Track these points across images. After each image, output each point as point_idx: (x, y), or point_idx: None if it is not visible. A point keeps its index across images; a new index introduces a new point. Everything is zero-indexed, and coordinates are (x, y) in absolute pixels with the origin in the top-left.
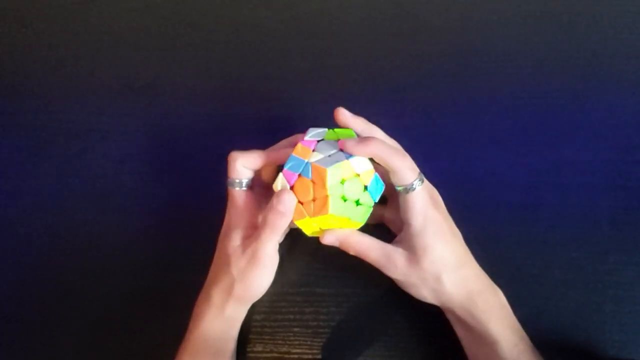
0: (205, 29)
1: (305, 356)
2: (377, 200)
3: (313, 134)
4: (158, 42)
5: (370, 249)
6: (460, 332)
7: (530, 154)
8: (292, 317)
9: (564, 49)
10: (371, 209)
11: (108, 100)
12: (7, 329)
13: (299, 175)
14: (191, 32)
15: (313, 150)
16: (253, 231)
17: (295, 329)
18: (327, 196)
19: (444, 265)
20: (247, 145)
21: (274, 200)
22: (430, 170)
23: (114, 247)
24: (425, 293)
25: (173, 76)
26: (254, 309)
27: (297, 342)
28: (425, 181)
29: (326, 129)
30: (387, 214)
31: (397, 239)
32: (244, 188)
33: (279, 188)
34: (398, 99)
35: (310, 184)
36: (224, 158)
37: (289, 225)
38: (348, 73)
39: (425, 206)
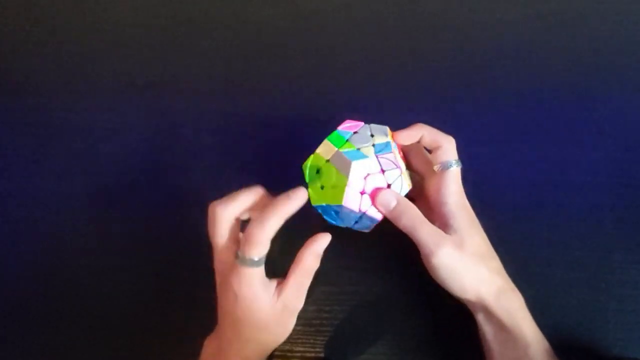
0: (209, 27)
1: (308, 354)
2: None
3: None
4: (161, 41)
5: (423, 226)
6: (489, 331)
7: (534, 152)
8: None
9: (568, 47)
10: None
11: (111, 98)
12: (11, 328)
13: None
14: (195, 30)
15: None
16: (274, 284)
17: (298, 327)
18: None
19: (481, 253)
20: (249, 144)
21: (315, 244)
22: None
23: (116, 245)
24: (467, 283)
25: (177, 74)
26: None
27: (299, 340)
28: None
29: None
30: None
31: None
32: (262, 266)
33: (307, 175)
34: (402, 97)
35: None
36: (227, 156)
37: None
38: (352, 71)
39: (460, 189)
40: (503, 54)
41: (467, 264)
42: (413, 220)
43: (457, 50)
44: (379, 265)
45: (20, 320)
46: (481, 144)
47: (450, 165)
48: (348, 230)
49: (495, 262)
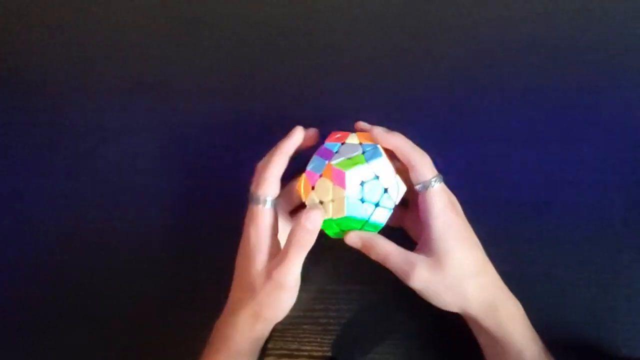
0: (216, 26)
1: (315, 353)
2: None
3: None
4: (169, 40)
5: (392, 255)
6: (483, 342)
7: (542, 151)
8: (301, 314)
9: (575, 45)
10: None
11: (119, 98)
12: (18, 326)
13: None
14: (202, 29)
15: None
16: (276, 250)
17: (305, 326)
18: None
19: (466, 271)
20: (256, 143)
21: (303, 218)
22: (440, 167)
23: (125, 245)
24: (448, 300)
25: (184, 73)
26: None
27: (307, 340)
28: (444, 185)
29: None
30: (407, 220)
31: (417, 246)
32: (270, 206)
33: (303, 193)
34: (407, 96)
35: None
36: (234, 155)
37: None
38: (358, 70)
39: (444, 207)
40: (510, 52)
41: (445, 283)
42: (380, 255)
43: (462, 50)
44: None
45: (26, 319)
46: (488, 143)
47: (430, 185)
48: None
49: (487, 277)
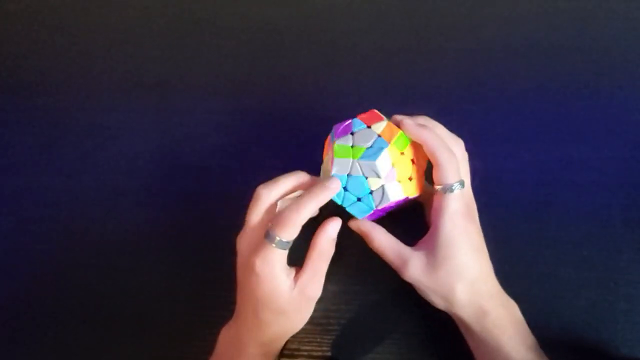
0: (216, 26)
1: (315, 353)
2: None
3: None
4: (169, 40)
5: (388, 248)
6: (471, 343)
7: (543, 151)
8: None
9: (576, 45)
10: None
11: (120, 98)
12: (18, 325)
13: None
14: (202, 29)
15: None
16: (292, 272)
17: (305, 326)
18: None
19: (459, 276)
20: (257, 143)
21: (328, 226)
22: None
23: (126, 244)
24: (436, 300)
25: (185, 73)
26: None
27: (306, 340)
28: (466, 190)
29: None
30: (427, 212)
31: (422, 239)
32: (286, 251)
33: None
34: (408, 95)
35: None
36: (234, 155)
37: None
38: (358, 70)
39: (458, 212)
40: (510, 52)
41: (435, 284)
42: (376, 246)
43: (464, 49)
44: (386, 264)
45: (26, 319)
46: (489, 143)
47: (451, 190)
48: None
49: (485, 285)
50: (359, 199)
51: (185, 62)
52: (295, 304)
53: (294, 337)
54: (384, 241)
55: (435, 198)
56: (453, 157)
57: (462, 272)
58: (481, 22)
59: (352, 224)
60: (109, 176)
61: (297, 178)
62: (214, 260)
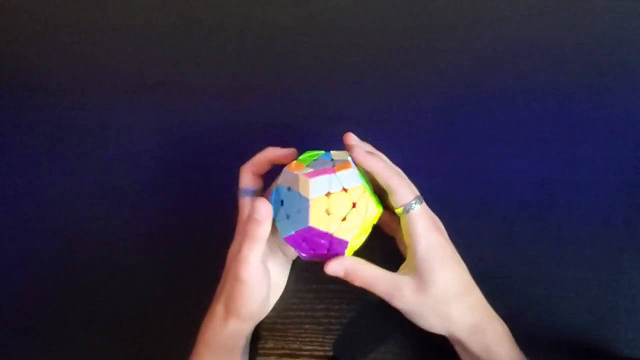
0: (218, 26)
1: (317, 353)
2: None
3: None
4: (171, 40)
5: (378, 279)
6: None
7: (545, 151)
8: (303, 314)
9: (578, 44)
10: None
11: (121, 98)
12: (19, 324)
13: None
14: (204, 29)
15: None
16: None
17: (307, 326)
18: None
19: (450, 292)
20: (258, 141)
21: (250, 210)
22: (442, 167)
23: (126, 244)
24: (433, 322)
25: (186, 73)
26: None
27: (308, 339)
28: (425, 206)
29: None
30: (399, 242)
31: (402, 267)
32: (251, 196)
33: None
34: (410, 95)
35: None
36: (236, 155)
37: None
38: (360, 70)
39: (427, 229)
40: (513, 52)
41: (430, 305)
42: (365, 281)
43: (465, 49)
44: (387, 264)
45: (27, 318)
46: (491, 143)
47: (411, 208)
48: None
49: (472, 298)
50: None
51: (186, 62)
52: (230, 275)
53: (296, 337)
54: (371, 273)
55: (402, 223)
56: (404, 179)
57: (451, 287)
58: (482, 22)
59: (330, 268)
60: (110, 176)
61: (266, 151)
62: (215, 260)
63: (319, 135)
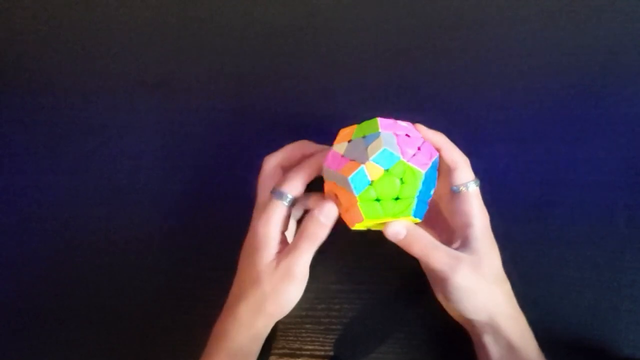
0: (218, 26)
1: (317, 353)
2: (421, 190)
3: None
4: (172, 39)
5: (437, 250)
6: (496, 352)
7: (546, 151)
8: (304, 313)
9: (580, 44)
10: (414, 200)
11: (123, 97)
12: (18, 325)
13: (334, 183)
14: (205, 28)
15: (342, 155)
16: (284, 246)
17: (307, 326)
18: (356, 202)
19: (498, 276)
20: (260, 143)
21: (315, 210)
22: None
23: (128, 243)
24: (480, 304)
25: (188, 72)
26: None
27: (309, 339)
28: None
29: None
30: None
31: (454, 245)
32: (288, 204)
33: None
34: (412, 95)
35: (345, 192)
36: (236, 155)
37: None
38: (359, 70)
39: (482, 209)
40: (515, 52)
41: (483, 285)
42: (424, 248)
43: (467, 49)
44: (388, 263)
45: (27, 318)
46: (492, 143)
47: (472, 186)
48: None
49: (508, 286)
50: (396, 199)
51: (187, 61)
52: (269, 275)
53: (296, 337)
54: (431, 242)
55: (457, 201)
56: (467, 159)
57: (497, 269)
58: (482, 22)
59: (392, 228)
60: (111, 175)
61: (301, 144)
62: (215, 260)
63: (319, 135)
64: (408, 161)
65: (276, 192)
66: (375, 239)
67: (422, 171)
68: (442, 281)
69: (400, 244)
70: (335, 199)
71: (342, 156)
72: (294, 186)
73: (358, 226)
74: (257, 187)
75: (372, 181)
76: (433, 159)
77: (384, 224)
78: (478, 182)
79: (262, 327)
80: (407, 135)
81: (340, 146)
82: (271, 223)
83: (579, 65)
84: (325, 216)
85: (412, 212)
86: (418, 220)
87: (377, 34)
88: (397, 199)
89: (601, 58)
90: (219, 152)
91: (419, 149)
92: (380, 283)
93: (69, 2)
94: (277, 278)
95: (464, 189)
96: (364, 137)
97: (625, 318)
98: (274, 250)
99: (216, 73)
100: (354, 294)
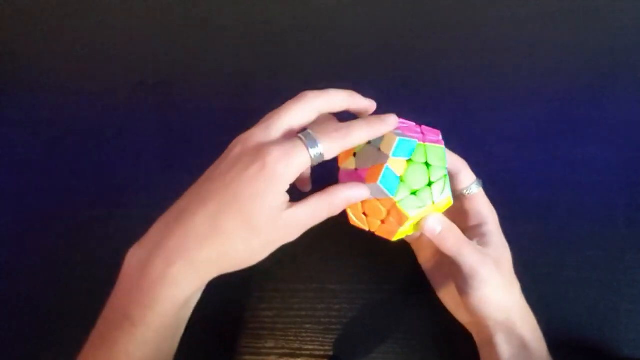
0: (219, 26)
1: (317, 352)
2: (433, 204)
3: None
4: (172, 39)
5: (468, 246)
6: (507, 351)
7: (546, 152)
8: (304, 313)
9: (580, 45)
10: (446, 179)
11: (123, 96)
12: (20, 323)
13: (359, 203)
14: (205, 28)
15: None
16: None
17: (307, 326)
18: (396, 203)
19: (512, 271)
20: None
21: (346, 185)
22: None
23: (128, 243)
24: (502, 301)
25: (187, 72)
26: (265, 305)
27: (309, 339)
28: None
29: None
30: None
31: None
32: (309, 165)
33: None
34: (412, 95)
35: (376, 202)
36: None
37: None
38: (361, 69)
39: (491, 207)
40: (515, 52)
41: (505, 282)
42: (457, 243)
43: (465, 49)
44: (388, 264)
45: (28, 317)
46: (491, 143)
47: (478, 187)
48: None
49: (519, 284)
50: (430, 184)
51: (187, 60)
52: (273, 222)
53: (296, 337)
54: (463, 239)
55: (469, 202)
56: (465, 162)
57: (511, 267)
58: (482, 22)
59: (430, 223)
60: (111, 175)
61: (349, 94)
62: None
63: None
64: (425, 142)
65: (311, 140)
66: (375, 239)
67: (442, 146)
68: (469, 278)
69: (435, 239)
70: (363, 220)
71: (356, 170)
72: (333, 146)
73: (399, 235)
74: (282, 110)
75: (401, 176)
76: (440, 135)
77: (417, 224)
78: (480, 181)
79: (207, 279)
80: (402, 124)
81: (348, 162)
82: (287, 177)
83: (579, 66)
84: (351, 193)
85: (450, 194)
86: (451, 202)
87: (377, 34)
88: (429, 184)
89: (601, 58)
90: (219, 152)
91: (422, 132)
92: (380, 283)
93: (69, 2)
94: (281, 224)
95: (470, 191)
96: (368, 143)
97: (625, 318)
98: (282, 199)
99: (215, 72)
100: (353, 294)
